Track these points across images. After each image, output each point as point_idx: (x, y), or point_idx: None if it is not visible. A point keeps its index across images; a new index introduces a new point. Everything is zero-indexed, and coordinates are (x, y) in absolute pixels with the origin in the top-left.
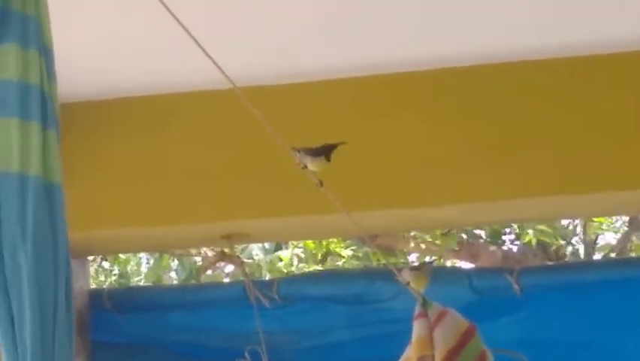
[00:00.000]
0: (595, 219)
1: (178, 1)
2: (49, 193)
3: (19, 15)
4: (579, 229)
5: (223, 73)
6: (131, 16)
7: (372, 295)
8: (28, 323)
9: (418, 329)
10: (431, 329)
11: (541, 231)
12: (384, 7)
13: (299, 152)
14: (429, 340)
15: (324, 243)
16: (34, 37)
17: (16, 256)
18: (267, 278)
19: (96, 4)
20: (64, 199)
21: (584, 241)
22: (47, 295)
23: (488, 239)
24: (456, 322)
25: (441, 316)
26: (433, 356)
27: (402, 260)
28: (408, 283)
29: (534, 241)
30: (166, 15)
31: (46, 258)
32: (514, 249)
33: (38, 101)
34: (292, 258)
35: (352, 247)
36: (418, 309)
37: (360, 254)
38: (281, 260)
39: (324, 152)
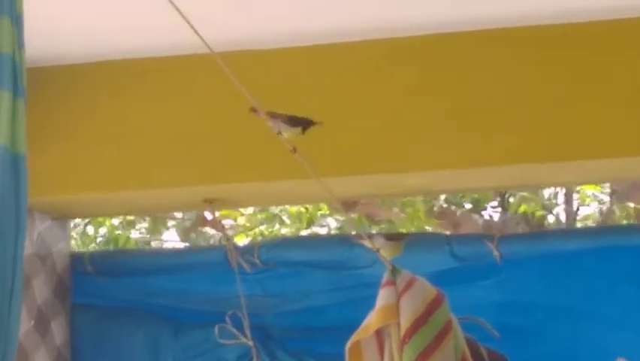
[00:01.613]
0: (578, 189)
1: None
2: (15, 162)
3: None
4: (561, 199)
5: (201, 38)
6: None
7: (351, 261)
8: None
9: (384, 296)
10: (398, 297)
11: (524, 198)
12: None
13: (276, 117)
14: (394, 308)
15: (307, 210)
16: (8, 4)
17: None
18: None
19: None
20: (27, 169)
21: (566, 211)
22: (7, 261)
23: (470, 207)
24: (424, 290)
25: (409, 284)
26: (398, 324)
27: (383, 227)
28: (377, 250)
29: (519, 208)
30: None
31: (8, 225)
32: (496, 218)
33: (10, 70)
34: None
35: (336, 216)
36: (386, 276)
37: (342, 220)
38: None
39: (302, 124)
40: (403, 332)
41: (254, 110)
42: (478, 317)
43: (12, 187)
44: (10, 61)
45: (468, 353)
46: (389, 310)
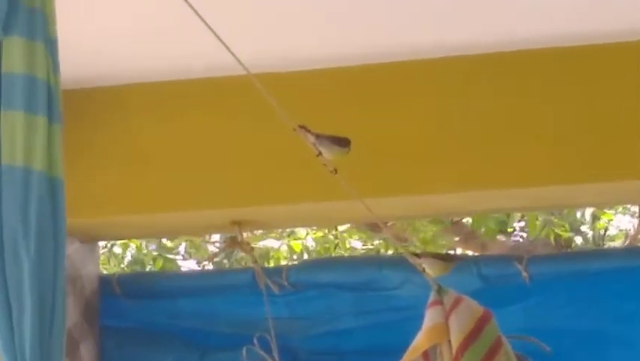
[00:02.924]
0: (604, 211)
1: None
2: (52, 188)
3: (25, 8)
4: (588, 218)
5: (237, 59)
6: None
7: (379, 282)
8: (29, 316)
9: (432, 316)
10: (447, 316)
11: (549, 220)
12: None
13: (317, 136)
14: (444, 327)
15: (333, 235)
16: (41, 29)
17: (18, 250)
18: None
19: None
20: (65, 194)
21: (593, 233)
22: (47, 290)
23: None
24: (471, 308)
25: (456, 302)
26: (449, 342)
27: (412, 249)
28: (423, 270)
29: (543, 231)
30: (180, 1)
31: (47, 253)
32: (523, 238)
33: (45, 95)
34: (302, 250)
35: (362, 239)
36: (432, 296)
37: (371, 245)
38: (294, 251)
39: (344, 144)
40: (455, 349)
41: (301, 127)
42: (531, 337)
43: (50, 214)
44: (45, 86)
45: None
46: (438, 329)
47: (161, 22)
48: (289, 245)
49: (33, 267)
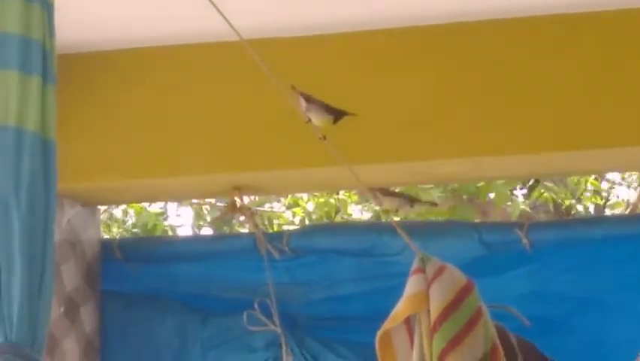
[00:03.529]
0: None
1: None
2: (45, 149)
3: None
4: (589, 187)
5: (230, 25)
6: None
7: (379, 248)
8: (18, 272)
9: (413, 284)
10: (428, 285)
11: (547, 187)
12: None
13: (311, 101)
14: (424, 295)
15: (334, 200)
16: None
17: (8, 207)
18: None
19: None
20: (57, 156)
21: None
22: (37, 246)
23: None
24: (454, 277)
25: (439, 271)
26: (427, 312)
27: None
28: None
29: (546, 196)
30: None
31: (38, 213)
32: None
33: (40, 56)
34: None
35: (363, 204)
36: (415, 264)
37: (371, 212)
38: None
39: (335, 114)
40: (432, 319)
41: (293, 88)
42: (508, 306)
43: (42, 174)
44: (41, 47)
45: (498, 342)
46: (418, 297)
47: None
48: (290, 209)
49: (23, 226)
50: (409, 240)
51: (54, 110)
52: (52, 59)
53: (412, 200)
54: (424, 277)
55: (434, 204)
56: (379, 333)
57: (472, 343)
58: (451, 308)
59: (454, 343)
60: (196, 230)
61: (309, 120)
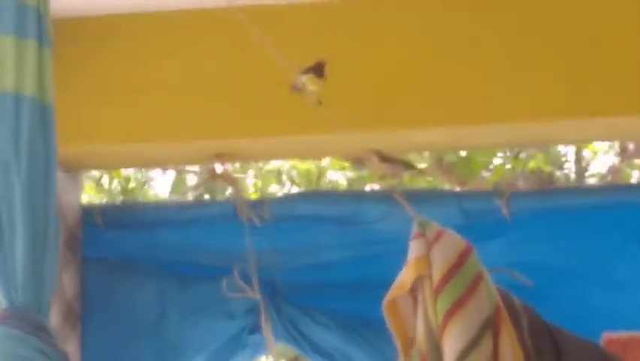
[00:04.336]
0: (588, 147)
1: None
2: (43, 113)
3: None
4: (571, 156)
5: None
6: None
7: (361, 215)
8: (20, 235)
9: (415, 248)
10: (429, 249)
11: (532, 155)
12: None
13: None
14: (426, 259)
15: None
16: None
17: (9, 172)
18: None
19: None
20: (55, 120)
21: (576, 169)
22: (39, 210)
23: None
24: (453, 240)
25: (438, 235)
26: (430, 277)
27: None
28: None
29: (527, 165)
30: None
31: (38, 177)
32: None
33: (35, 20)
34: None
35: (347, 171)
36: (415, 228)
37: (355, 177)
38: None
39: (316, 69)
40: (435, 282)
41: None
42: (512, 270)
43: (41, 139)
44: (35, 11)
45: (501, 304)
46: (421, 261)
47: None
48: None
49: (24, 189)
50: (408, 205)
51: (51, 75)
52: (47, 23)
53: (406, 165)
54: (425, 241)
55: (423, 170)
56: (386, 302)
57: (476, 304)
58: (453, 271)
59: (458, 305)
60: (177, 197)
61: (299, 89)
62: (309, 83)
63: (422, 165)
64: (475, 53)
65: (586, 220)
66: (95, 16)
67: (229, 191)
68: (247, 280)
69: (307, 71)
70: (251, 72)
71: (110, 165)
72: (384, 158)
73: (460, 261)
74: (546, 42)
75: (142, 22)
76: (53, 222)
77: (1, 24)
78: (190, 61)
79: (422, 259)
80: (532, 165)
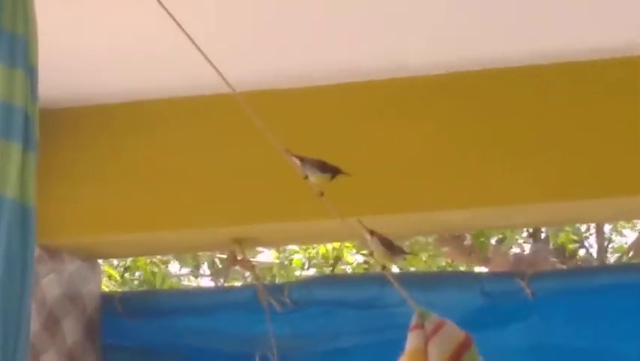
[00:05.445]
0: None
1: (180, 8)
2: (23, 215)
3: (7, 33)
4: (592, 230)
5: (223, 79)
6: (132, 20)
7: (382, 299)
8: None
9: (413, 340)
10: (427, 341)
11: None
12: (388, 13)
13: (305, 162)
14: (423, 352)
15: (334, 248)
16: (22, 56)
17: None
18: (278, 282)
19: (98, 8)
20: (36, 222)
21: (598, 245)
22: (12, 315)
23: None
24: (452, 333)
25: (437, 327)
26: None
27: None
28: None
29: (557, 239)
30: (168, 21)
31: (14, 278)
32: (527, 247)
33: (22, 123)
34: (304, 262)
35: (363, 252)
36: (414, 319)
37: (371, 260)
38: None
39: (332, 172)
40: None
41: (286, 151)
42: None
43: (19, 242)
44: (23, 114)
45: None
46: (417, 354)
47: (157, 42)
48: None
49: None
50: (407, 295)
51: (34, 178)
52: (35, 126)
53: (399, 250)
54: (423, 333)
55: (413, 253)
56: None
57: None
58: None
59: None
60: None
61: (307, 177)
62: (315, 179)
63: (444, 250)
64: (494, 137)
65: (608, 301)
66: (113, 103)
67: (247, 275)
68: None
69: (317, 165)
70: (268, 159)
71: (128, 254)
72: (385, 242)
73: (459, 352)
74: (565, 124)
75: (157, 109)
76: (26, 324)
77: None
78: (206, 148)
79: (418, 351)
80: (561, 239)
